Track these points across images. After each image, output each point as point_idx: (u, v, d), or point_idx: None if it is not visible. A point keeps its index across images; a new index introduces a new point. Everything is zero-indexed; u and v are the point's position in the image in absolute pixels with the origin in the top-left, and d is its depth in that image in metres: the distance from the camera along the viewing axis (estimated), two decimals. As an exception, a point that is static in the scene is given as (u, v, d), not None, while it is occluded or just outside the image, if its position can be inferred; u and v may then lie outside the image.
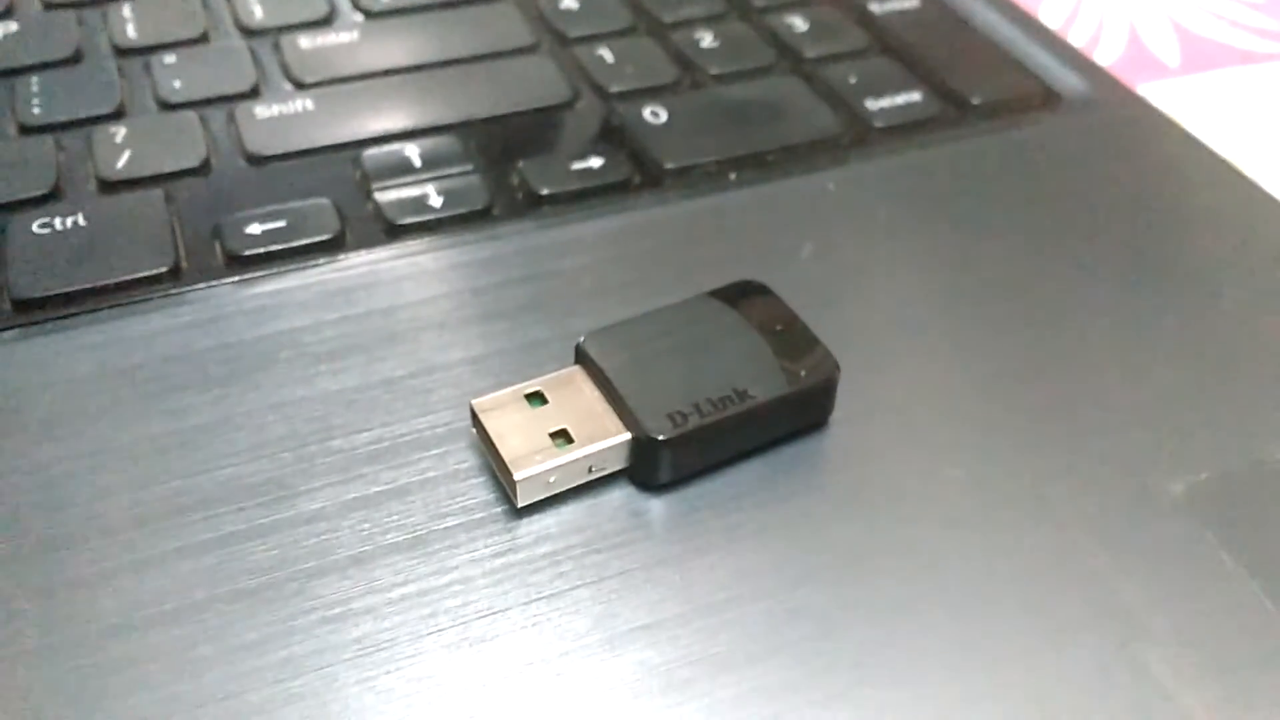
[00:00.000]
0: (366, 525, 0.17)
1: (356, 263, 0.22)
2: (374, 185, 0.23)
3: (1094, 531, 0.17)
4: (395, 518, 0.17)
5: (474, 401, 0.18)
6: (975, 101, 0.26)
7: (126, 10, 0.28)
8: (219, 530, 0.17)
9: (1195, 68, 0.32)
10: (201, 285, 0.21)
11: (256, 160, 0.24)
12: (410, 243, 0.22)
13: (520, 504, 0.17)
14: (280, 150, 0.24)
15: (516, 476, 0.17)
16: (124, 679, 0.15)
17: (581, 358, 0.18)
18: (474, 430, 0.18)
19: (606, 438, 0.17)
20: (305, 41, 0.27)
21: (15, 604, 0.16)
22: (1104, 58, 0.32)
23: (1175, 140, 0.25)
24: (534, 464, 0.17)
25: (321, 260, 0.22)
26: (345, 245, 0.22)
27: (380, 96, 0.26)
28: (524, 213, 0.23)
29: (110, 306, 0.20)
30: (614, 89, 0.26)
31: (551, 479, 0.17)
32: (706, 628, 0.16)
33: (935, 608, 0.16)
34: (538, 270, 0.21)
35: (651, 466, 0.17)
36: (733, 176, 0.24)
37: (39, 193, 0.23)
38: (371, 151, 0.24)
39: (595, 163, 0.24)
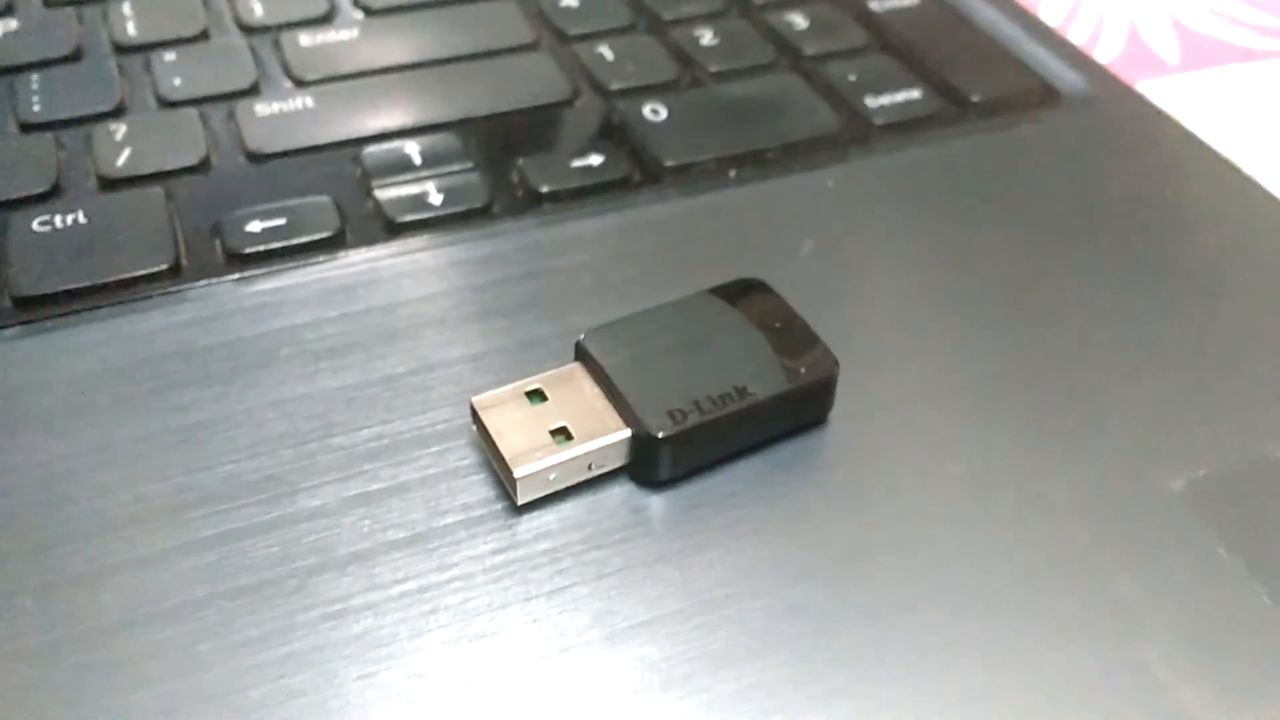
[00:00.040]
0: (367, 522, 0.17)
1: (356, 260, 0.22)
2: (374, 183, 0.23)
3: (1093, 528, 0.17)
4: (395, 515, 0.17)
5: (474, 398, 0.18)
6: (975, 99, 0.26)
7: (126, 8, 0.28)
8: (220, 527, 0.17)
9: (1195, 65, 0.32)
10: (202, 283, 0.21)
11: (257, 158, 0.24)
12: (410, 240, 0.22)
13: (520, 501, 0.17)
14: (280, 148, 0.24)
15: (516, 473, 0.17)
16: (125, 676, 0.15)
17: (581, 355, 0.18)
18: (474, 427, 0.18)
19: (606, 435, 0.17)
20: (305, 39, 0.27)
21: (16, 601, 0.16)
22: (1104, 55, 0.32)
23: (1175, 138, 0.25)
24: (534, 461, 0.17)
25: (321, 258, 0.22)
26: (345, 243, 0.22)
27: (380, 94, 0.26)
28: (524, 210, 0.23)
29: (110, 304, 0.21)
30: (614, 86, 0.26)
31: (551, 476, 0.17)
32: (706, 624, 0.16)
33: (935, 604, 0.16)
34: (538, 267, 0.21)
35: (651, 463, 0.17)
36: (732, 174, 0.24)
37: (39, 190, 0.23)
38: (371, 149, 0.24)
39: (595, 160, 0.24)
